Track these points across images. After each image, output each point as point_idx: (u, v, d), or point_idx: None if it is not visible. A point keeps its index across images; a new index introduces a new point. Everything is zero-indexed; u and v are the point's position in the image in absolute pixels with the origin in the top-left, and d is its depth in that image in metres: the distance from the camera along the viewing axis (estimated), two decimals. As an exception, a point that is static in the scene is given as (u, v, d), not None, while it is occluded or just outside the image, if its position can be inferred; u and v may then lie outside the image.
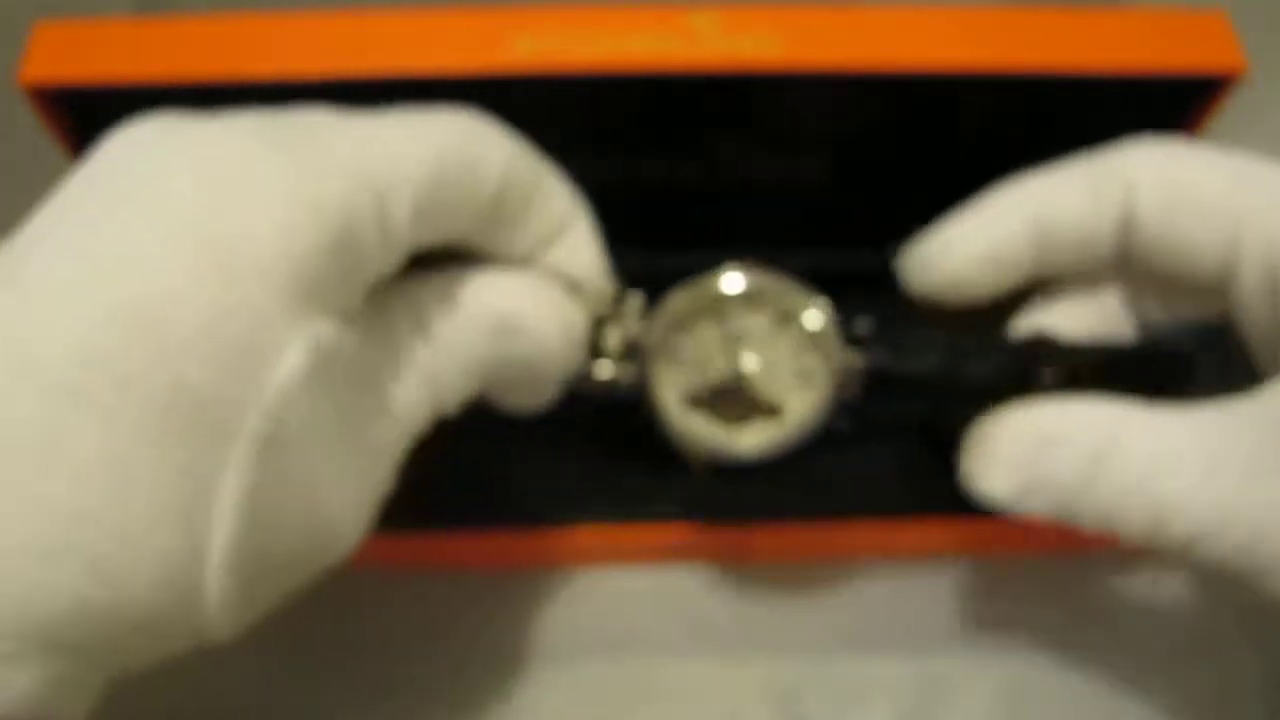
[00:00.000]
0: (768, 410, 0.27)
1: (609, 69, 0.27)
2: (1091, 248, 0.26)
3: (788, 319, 0.27)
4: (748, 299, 0.27)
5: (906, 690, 0.30)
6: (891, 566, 0.32)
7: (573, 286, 0.24)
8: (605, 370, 0.26)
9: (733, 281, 0.27)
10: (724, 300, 0.27)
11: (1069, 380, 0.25)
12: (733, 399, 0.27)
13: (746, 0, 0.28)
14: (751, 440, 0.27)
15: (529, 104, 0.25)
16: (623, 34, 0.27)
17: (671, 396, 0.27)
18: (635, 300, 0.26)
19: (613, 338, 0.26)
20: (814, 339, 0.27)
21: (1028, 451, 0.24)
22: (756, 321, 0.27)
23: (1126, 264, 0.26)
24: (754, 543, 0.31)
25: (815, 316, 0.27)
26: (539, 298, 0.23)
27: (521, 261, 0.24)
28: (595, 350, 0.26)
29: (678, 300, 0.27)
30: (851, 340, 0.27)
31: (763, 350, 0.27)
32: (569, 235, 0.24)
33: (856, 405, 0.27)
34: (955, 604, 0.32)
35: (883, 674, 0.30)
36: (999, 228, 0.26)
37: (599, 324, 0.26)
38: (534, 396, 0.25)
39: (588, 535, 0.30)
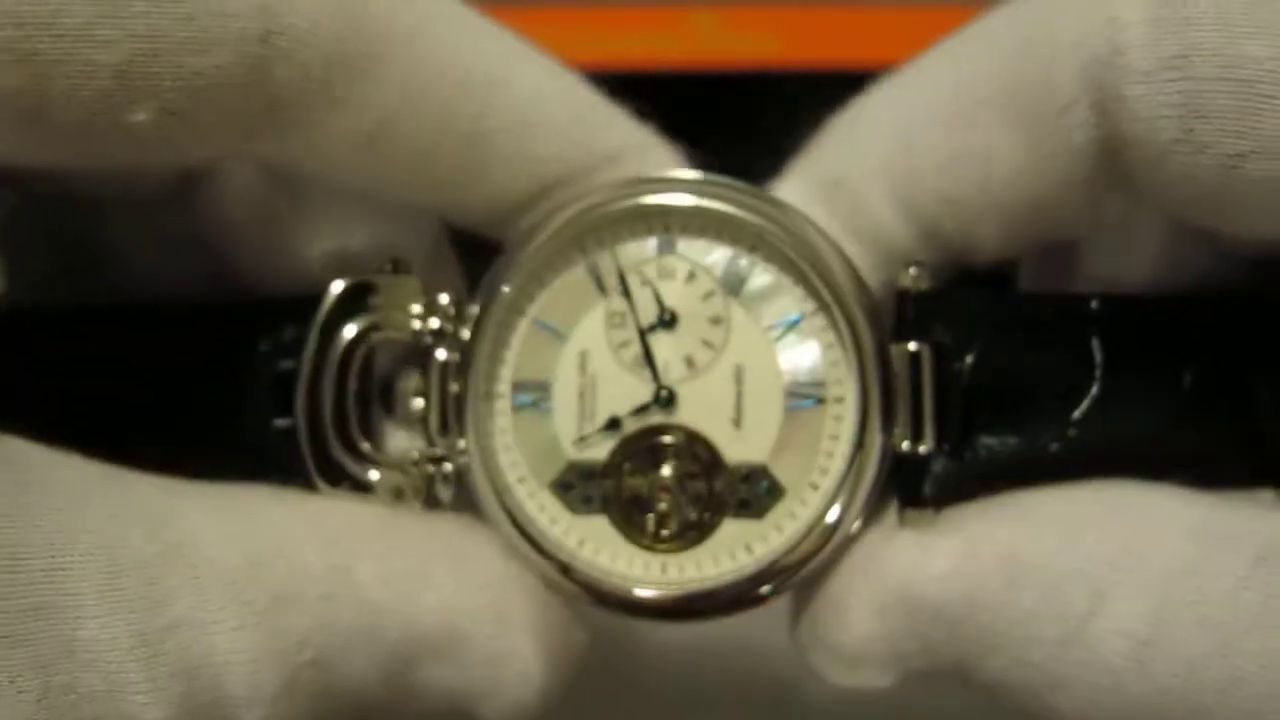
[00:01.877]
0: (731, 499, 0.14)
1: (609, 69, 0.27)
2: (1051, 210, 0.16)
3: (737, 279, 0.14)
4: (658, 236, 0.14)
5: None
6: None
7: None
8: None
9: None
10: (611, 240, 0.14)
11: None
12: (662, 473, 0.14)
13: (746, 0, 0.28)
14: (708, 569, 0.14)
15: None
16: (623, 34, 0.27)
17: (518, 472, 0.14)
18: (442, 298, 0.15)
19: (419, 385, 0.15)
20: (813, 301, 0.14)
21: (899, 621, 0.15)
22: (681, 286, 0.14)
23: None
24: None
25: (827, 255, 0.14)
26: (509, 593, 0.14)
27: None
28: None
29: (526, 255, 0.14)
30: (916, 302, 0.14)
31: (704, 341, 0.14)
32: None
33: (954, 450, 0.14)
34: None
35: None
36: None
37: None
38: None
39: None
